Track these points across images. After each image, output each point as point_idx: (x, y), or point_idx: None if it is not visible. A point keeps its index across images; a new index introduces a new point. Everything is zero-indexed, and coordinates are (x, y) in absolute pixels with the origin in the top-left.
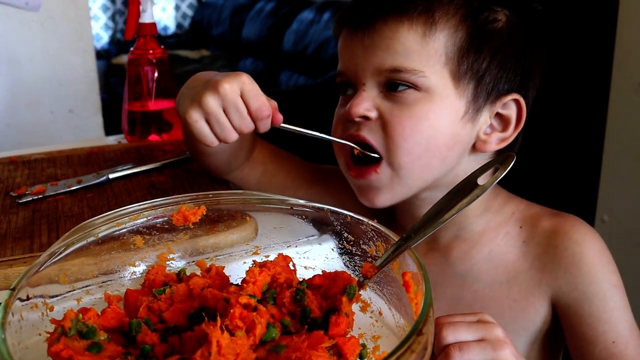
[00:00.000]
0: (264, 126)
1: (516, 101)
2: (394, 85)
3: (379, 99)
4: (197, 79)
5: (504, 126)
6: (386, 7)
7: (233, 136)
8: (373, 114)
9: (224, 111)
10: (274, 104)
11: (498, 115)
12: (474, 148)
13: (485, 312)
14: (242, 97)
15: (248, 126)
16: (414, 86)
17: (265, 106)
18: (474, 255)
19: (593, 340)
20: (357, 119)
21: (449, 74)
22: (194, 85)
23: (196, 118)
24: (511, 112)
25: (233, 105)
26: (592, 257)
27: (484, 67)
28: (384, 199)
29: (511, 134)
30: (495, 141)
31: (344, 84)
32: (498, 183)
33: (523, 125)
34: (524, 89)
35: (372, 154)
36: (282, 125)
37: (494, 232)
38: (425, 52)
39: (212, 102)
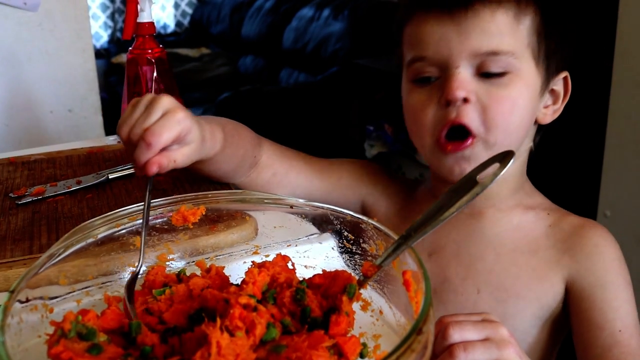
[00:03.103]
0: (140, 151)
1: (564, 77)
2: (488, 67)
3: (473, 82)
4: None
5: (555, 100)
6: None
7: (122, 132)
8: (473, 97)
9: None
10: (170, 160)
11: (551, 91)
12: (535, 120)
13: (504, 274)
14: (164, 114)
15: (135, 132)
16: (507, 68)
17: (159, 135)
18: (504, 223)
19: (601, 325)
20: (458, 103)
21: (530, 55)
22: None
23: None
24: (560, 87)
25: (147, 104)
26: (612, 252)
27: (552, 50)
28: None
29: (560, 106)
30: (551, 114)
31: (423, 69)
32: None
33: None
34: (570, 64)
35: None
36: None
37: (525, 210)
38: (515, 36)
39: (147, 96)
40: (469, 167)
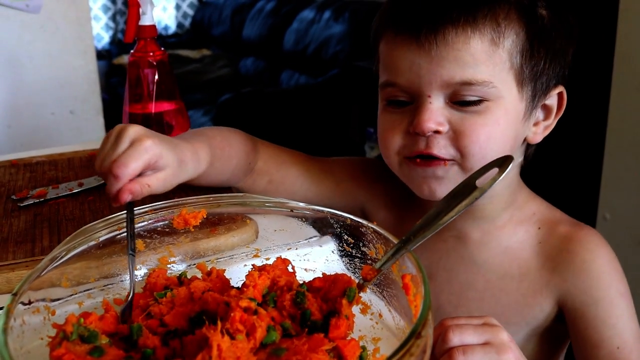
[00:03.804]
0: (110, 183)
1: (559, 92)
2: (462, 97)
3: (446, 110)
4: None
5: (547, 115)
6: (455, 15)
7: (96, 166)
8: (444, 128)
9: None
10: (143, 185)
11: (543, 106)
12: (524, 140)
13: (494, 301)
14: (131, 144)
15: (105, 165)
16: (483, 96)
17: (125, 166)
18: (493, 247)
19: (598, 344)
20: (428, 134)
21: (513, 79)
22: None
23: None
24: (554, 101)
25: (117, 135)
26: (601, 265)
27: (540, 68)
28: (446, 189)
29: (552, 121)
30: (542, 131)
31: (395, 94)
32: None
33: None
34: (565, 78)
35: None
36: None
37: (515, 228)
38: (492, 61)
39: (116, 127)
40: (439, 189)
